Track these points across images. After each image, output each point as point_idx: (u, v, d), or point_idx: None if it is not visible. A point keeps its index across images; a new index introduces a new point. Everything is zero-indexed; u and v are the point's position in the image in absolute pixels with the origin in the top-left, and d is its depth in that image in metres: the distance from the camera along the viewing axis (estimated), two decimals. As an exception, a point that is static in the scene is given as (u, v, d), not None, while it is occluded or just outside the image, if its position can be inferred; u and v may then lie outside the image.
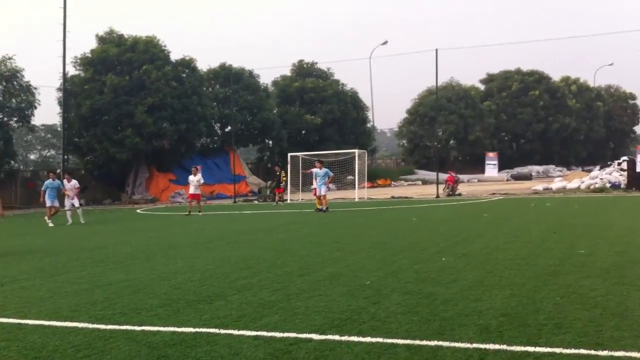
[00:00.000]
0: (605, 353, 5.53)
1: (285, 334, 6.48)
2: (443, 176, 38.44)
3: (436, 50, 36.38)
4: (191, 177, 27.42)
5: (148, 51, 42.86)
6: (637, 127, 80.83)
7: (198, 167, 31.47)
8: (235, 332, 6.68)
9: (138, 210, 32.75)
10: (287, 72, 59.05)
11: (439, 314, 7.19)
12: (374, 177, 52.65)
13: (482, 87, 73.20)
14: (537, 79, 70.40)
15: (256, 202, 38.03)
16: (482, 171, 41.71)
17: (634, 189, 30.45)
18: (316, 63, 59.18)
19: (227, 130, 50.60)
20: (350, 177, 40.94)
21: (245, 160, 56.78)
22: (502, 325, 6.60)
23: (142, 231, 19.87)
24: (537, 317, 6.90)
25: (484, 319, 6.91)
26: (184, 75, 44.86)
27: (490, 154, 37.91)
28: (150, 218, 26.89)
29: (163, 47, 44.36)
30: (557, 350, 5.68)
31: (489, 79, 73.18)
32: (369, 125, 61.76)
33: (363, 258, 11.64)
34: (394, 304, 7.72)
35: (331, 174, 26.13)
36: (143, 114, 40.99)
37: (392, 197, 34.47)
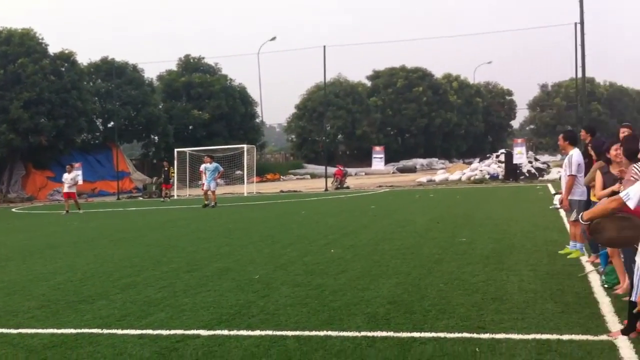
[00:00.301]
0: (487, 336, 5.72)
1: (172, 332, 6.31)
2: (331, 170, 38.91)
3: (324, 46, 36.78)
4: (65, 175, 26.13)
5: (24, 44, 40.72)
6: (513, 121, 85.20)
7: (74, 164, 30.16)
8: (119, 331, 6.43)
9: (14, 210, 31.05)
10: (173, 66, 57.82)
11: (328, 304, 7.23)
12: (263, 171, 52.57)
13: (368, 83, 74.68)
14: (421, 75, 72.61)
15: (141, 198, 36.99)
16: (369, 165, 42.51)
17: (510, 179, 32.02)
18: (203, 58, 58.32)
19: (109, 125, 48.88)
20: (238, 172, 40.67)
21: (129, 156, 55.12)
22: (389, 312, 6.71)
23: (19, 231, 18.82)
24: (422, 304, 7.07)
25: (372, 307, 7.01)
26: (63, 69, 42.92)
27: (377, 148, 38.64)
28: (27, 217, 25.55)
29: (40, 40, 42.26)
30: (442, 334, 5.83)
31: (375, 76, 74.79)
32: (257, 120, 61.50)
33: (252, 252, 11.54)
34: (283, 296, 7.69)
35: (221, 168, 25.79)
36: (19, 109, 38.90)
37: (281, 191, 34.53)
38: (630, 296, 5.51)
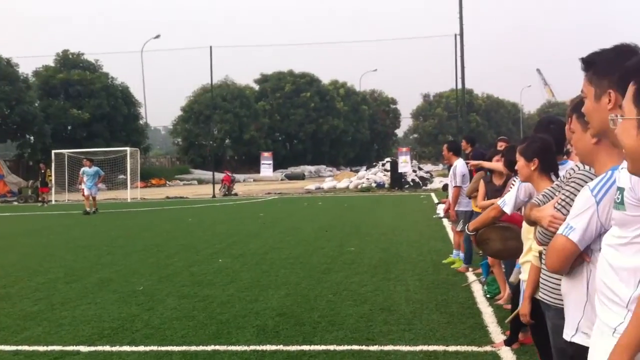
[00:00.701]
0: (375, 348, 5.76)
1: (50, 347, 5.98)
2: (219, 176, 38.42)
3: (210, 47, 36.23)
4: None
5: None
6: (398, 130, 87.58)
7: None
8: (-10, 349, 5.99)
9: None
10: (51, 62, 55.07)
11: (216, 317, 7.07)
12: (148, 176, 51.07)
13: (256, 87, 74.48)
14: (309, 81, 73.22)
15: (16, 203, 35.02)
16: (258, 171, 42.28)
17: (396, 188, 32.80)
18: (83, 54, 55.89)
19: (-20, 124, 45.99)
20: (121, 176, 39.33)
21: (3, 157, 52.11)
22: (278, 325, 6.63)
23: None
24: (311, 316, 7.04)
25: (261, 319, 6.92)
26: None
27: (266, 154, 38.54)
28: None
29: None
30: (331, 347, 5.82)
31: (263, 79, 74.72)
32: (141, 122, 59.74)
33: (135, 262, 11.13)
34: (169, 309, 7.44)
35: (102, 173, 24.80)
36: None
37: (167, 197, 33.69)
38: (511, 304, 5.71)
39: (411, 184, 33.63)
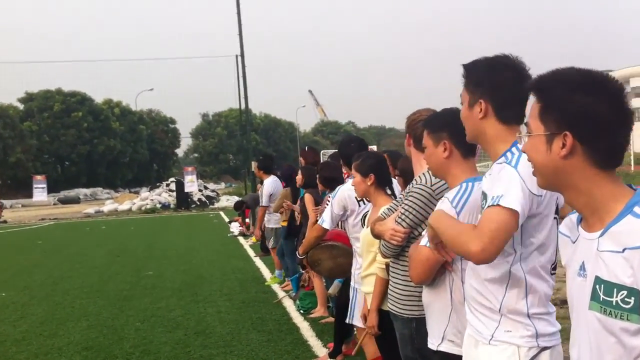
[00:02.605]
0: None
1: None
2: (-16, 202, 34.93)
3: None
4: None
5: None
6: (178, 149, 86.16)
7: None
8: None
9: None
10: None
11: (13, 357, 6.39)
12: None
13: (21, 106, 69.10)
14: (80, 100, 69.40)
15: None
16: (27, 195, 39.32)
17: (182, 208, 32.16)
18: None
19: None
20: None
21: None
22: (87, 360, 6.15)
23: None
24: (122, 346, 6.64)
25: (66, 355, 6.41)
26: None
27: (38, 177, 35.91)
28: None
29: None
30: (153, 378, 5.50)
31: (29, 98, 69.43)
32: None
33: None
34: (-48, 354, 6.57)
35: None
36: None
37: None
38: (334, 317, 5.82)
39: (198, 203, 33.24)
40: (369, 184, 3.94)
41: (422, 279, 2.77)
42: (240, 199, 20.11)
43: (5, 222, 32.00)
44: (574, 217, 1.73)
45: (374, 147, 20.68)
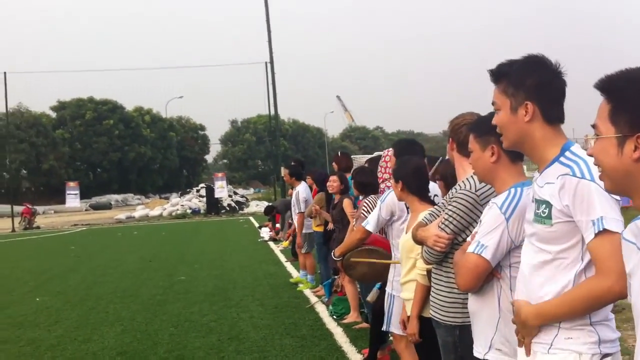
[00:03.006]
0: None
1: None
2: (18, 208, 35.49)
3: (5, 73, 33.73)
4: None
5: None
6: (207, 156, 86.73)
7: None
8: None
9: None
10: None
11: (49, 362, 6.42)
12: None
13: (54, 114, 70.14)
14: (111, 108, 70.31)
15: None
16: (59, 202, 39.85)
17: (212, 213, 32.34)
18: None
19: None
20: None
21: None
22: (122, 365, 6.16)
23: None
24: (156, 351, 6.64)
25: (101, 361, 6.39)
26: None
27: (71, 184, 36.28)
28: None
29: None
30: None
31: (61, 107, 70.45)
32: None
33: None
34: (-10, 358, 6.63)
35: None
36: None
37: (-42, 234, 30.47)
38: (369, 323, 5.75)
39: (227, 208, 33.39)
40: (399, 189, 3.94)
41: (470, 287, 2.69)
42: (271, 204, 20.14)
43: (38, 227, 32.50)
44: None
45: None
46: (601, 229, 2.03)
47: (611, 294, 2.05)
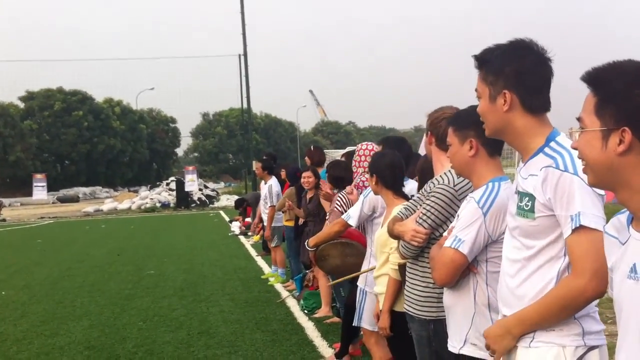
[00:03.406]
0: (205, 375, 5.44)
1: None
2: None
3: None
4: None
5: None
6: (178, 149, 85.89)
7: None
8: None
9: None
10: None
11: (14, 356, 6.30)
12: None
13: (22, 104, 68.96)
14: (81, 99, 69.27)
15: None
16: (26, 194, 39.22)
17: (182, 207, 32.03)
18: None
19: None
20: None
21: None
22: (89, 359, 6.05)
23: None
24: (125, 346, 6.55)
25: (68, 355, 6.33)
26: None
27: (38, 176, 35.80)
28: None
29: None
30: (157, 379, 5.40)
31: (30, 97, 69.31)
32: None
33: None
34: (-48, 354, 6.47)
35: None
36: None
37: None
38: (341, 318, 5.72)
39: (198, 202, 33.12)
40: (374, 183, 3.92)
41: (446, 281, 2.66)
42: (241, 197, 20.00)
43: (4, 220, 31.92)
44: (622, 217, 1.62)
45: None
46: (578, 225, 1.99)
47: (584, 294, 2.01)
